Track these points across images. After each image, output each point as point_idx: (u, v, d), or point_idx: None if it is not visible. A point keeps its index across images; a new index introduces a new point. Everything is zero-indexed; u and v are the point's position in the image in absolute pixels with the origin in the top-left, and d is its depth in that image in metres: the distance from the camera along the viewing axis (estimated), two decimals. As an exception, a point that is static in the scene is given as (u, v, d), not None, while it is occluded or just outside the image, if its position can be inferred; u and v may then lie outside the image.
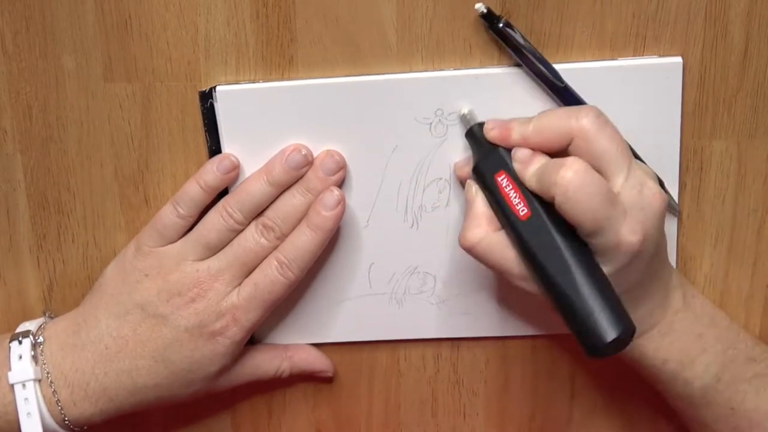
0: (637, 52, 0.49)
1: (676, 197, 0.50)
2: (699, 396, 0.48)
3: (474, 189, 0.46)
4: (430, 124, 0.49)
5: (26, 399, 0.48)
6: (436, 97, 0.49)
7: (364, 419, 0.57)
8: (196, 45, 0.49)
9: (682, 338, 0.47)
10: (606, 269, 0.43)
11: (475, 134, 0.47)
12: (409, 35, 0.49)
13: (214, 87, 0.49)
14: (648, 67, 0.48)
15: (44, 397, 0.48)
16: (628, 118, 0.48)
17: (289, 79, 0.50)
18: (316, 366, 0.54)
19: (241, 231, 0.49)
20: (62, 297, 0.54)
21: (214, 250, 0.49)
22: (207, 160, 0.50)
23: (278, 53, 0.50)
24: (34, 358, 0.49)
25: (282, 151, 0.49)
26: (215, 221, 0.49)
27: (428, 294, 0.53)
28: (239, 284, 0.49)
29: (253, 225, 0.49)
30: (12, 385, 0.48)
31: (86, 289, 0.54)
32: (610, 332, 0.40)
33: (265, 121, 0.50)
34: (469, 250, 0.45)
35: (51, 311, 0.54)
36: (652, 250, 0.44)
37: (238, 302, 0.49)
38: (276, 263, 0.49)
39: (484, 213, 0.45)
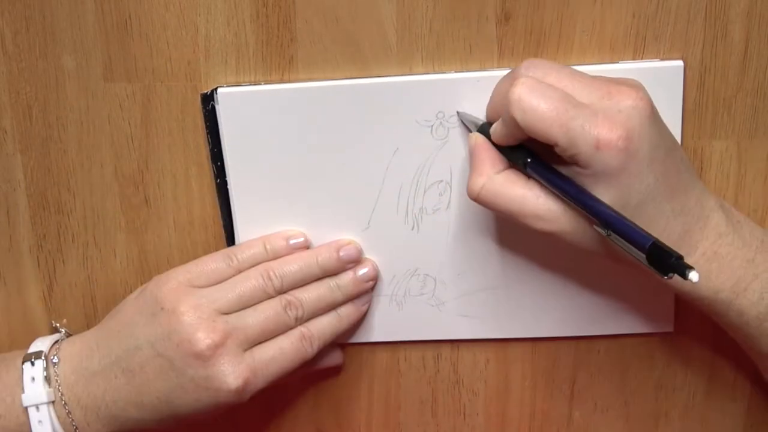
0: (638, 52, 0.49)
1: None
2: (755, 326, 0.45)
3: (474, 137, 0.46)
4: (431, 126, 0.49)
5: (40, 421, 0.47)
6: (438, 99, 0.49)
7: (364, 419, 0.57)
8: (196, 45, 0.49)
9: (731, 264, 0.45)
10: (607, 192, 0.41)
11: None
12: (409, 35, 0.49)
13: (216, 89, 0.49)
14: (649, 71, 0.48)
15: (59, 417, 0.48)
16: None
17: (289, 79, 0.50)
18: (333, 362, 0.54)
19: (268, 298, 0.49)
20: (62, 297, 0.54)
21: (239, 305, 0.48)
22: (208, 163, 0.50)
23: (278, 53, 0.50)
24: (47, 379, 0.48)
25: (339, 241, 0.51)
26: (254, 279, 0.49)
27: (428, 296, 0.53)
28: (247, 349, 0.48)
29: (278, 298, 0.49)
30: (26, 408, 0.48)
31: (86, 289, 0.54)
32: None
33: (266, 123, 0.50)
34: (476, 199, 0.45)
35: (62, 324, 0.54)
36: (649, 153, 0.41)
37: (254, 364, 0.48)
38: (300, 335, 0.49)
39: (484, 159, 0.45)
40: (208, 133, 0.50)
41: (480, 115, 0.48)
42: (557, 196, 0.43)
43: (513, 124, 0.42)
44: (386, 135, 0.49)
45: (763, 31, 0.48)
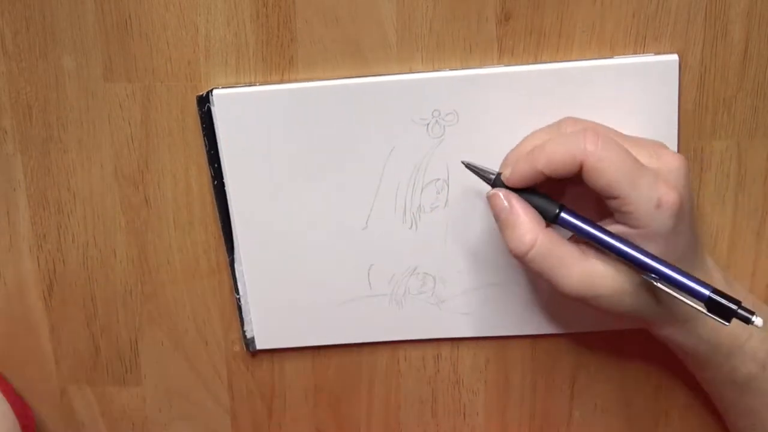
0: (637, 52, 0.49)
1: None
2: (743, 383, 0.47)
3: (500, 194, 0.45)
4: (427, 124, 0.49)
5: None
6: (433, 97, 0.49)
7: (364, 419, 0.57)
8: (196, 45, 0.49)
9: None
10: (653, 250, 0.43)
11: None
12: (409, 35, 0.49)
13: (211, 91, 0.49)
14: (644, 66, 0.48)
15: None
16: (624, 117, 0.48)
17: (290, 79, 0.50)
18: None
19: None
20: (62, 297, 0.54)
21: None
22: (207, 163, 0.51)
23: (278, 53, 0.50)
24: None
25: None
26: None
27: (428, 294, 0.53)
28: None
29: None
30: None
31: (86, 289, 0.54)
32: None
33: (262, 124, 0.50)
34: (525, 256, 0.44)
35: None
36: (689, 214, 0.44)
37: None
38: None
39: (526, 215, 0.44)
40: (204, 135, 0.50)
41: (477, 114, 0.48)
42: (603, 257, 0.44)
43: (571, 165, 0.42)
44: (382, 134, 0.49)
45: (763, 31, 0.48)
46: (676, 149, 0.49)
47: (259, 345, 0.54)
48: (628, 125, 0.47)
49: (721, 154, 0.50)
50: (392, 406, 0.57)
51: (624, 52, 0.49)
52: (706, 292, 0.41)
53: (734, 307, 0.39)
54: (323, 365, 0.56)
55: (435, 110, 0.49)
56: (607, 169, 0.42)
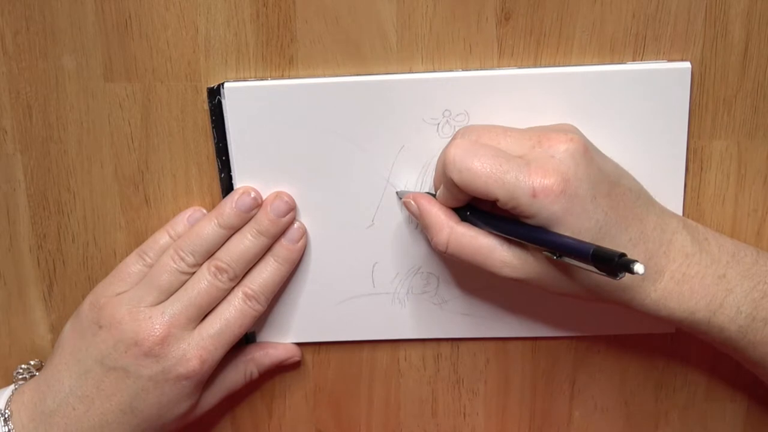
0: (637, 52, 0.49)
1: (679, 198, 0.50)
2: (739, 339, 0.46)
3: (414, 198, 0.47)
4: (438, 124, 0.49)
5: None
6: (444, 97, 0.49)
7: (364, 419, 0.57)
8: (196, 45, 0.49)
9: (703, 283, 0.45)
10: (560, 231, 0.42)
11: None
12: (409, 35, 0.49)
13: (222, 84, 0.49)
14: (655, 72, 0.48)
15: None
16: (635, 123, 0.48)
17: (289, 78, 0.50)
18: (280, 356, 0.54)
19: (192, 273, 0.49)
20: (62, 297, 0.54)
21: (166, 293, 0.49)
22: (216, 170, 0.51)
23: (278, 53, 0.50)
24: None
25: (231, 194, 0.50)
26: (167, 265, 0.49)
27: (431, 294, 0.53)
28: (195, 326, 0.49)
29: (205, 267, 0.49)
30: None
31: (86, 289, 0.54)
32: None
33: (272, 119, 0.50)
34: (445, 252, 0.46)
35: (21, 377, 0.53)
36: (591, 191, 0.42)
37: (204, 342, 0.49)
38: (243, 296, 0.49)
39: (438, 214, 0.46)
40: (213, 128, 0.50)
41: (489, 114, 0.48)
42: (520, 244, 0.44)
43: (453, 186, 0.44)
44: (392, 132, 0.50)
45: (763, 31, 0.48)
46: (684, 154, 0.49)
47: (260, 339, 0.54)
48: (638, 131, 0.48)
49: (721, 154, 0.50)
50: (392, 406, 0.57)
51: (624, 53, 0.49)
52: (589, 250, 0.39)
53: (616, 258, 0.37)
54: (323, 365, 0.56)
55: (446, 110, 0.49)
56: (471, 179, 0.42)
